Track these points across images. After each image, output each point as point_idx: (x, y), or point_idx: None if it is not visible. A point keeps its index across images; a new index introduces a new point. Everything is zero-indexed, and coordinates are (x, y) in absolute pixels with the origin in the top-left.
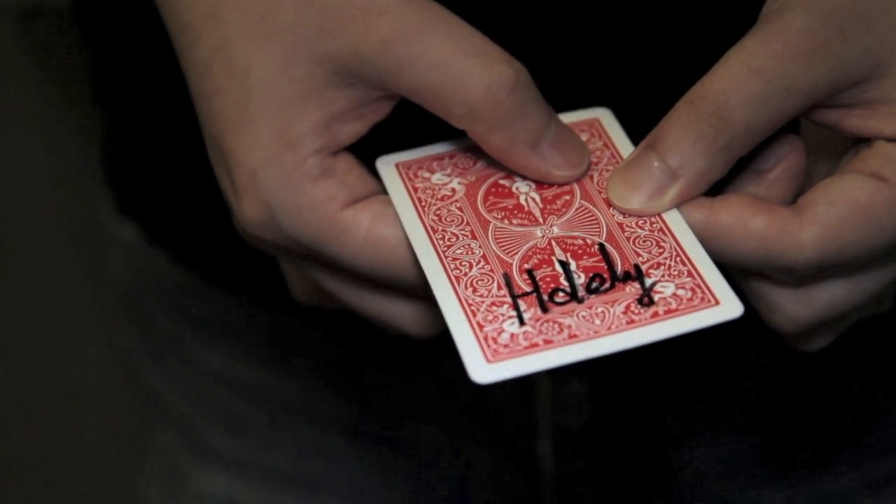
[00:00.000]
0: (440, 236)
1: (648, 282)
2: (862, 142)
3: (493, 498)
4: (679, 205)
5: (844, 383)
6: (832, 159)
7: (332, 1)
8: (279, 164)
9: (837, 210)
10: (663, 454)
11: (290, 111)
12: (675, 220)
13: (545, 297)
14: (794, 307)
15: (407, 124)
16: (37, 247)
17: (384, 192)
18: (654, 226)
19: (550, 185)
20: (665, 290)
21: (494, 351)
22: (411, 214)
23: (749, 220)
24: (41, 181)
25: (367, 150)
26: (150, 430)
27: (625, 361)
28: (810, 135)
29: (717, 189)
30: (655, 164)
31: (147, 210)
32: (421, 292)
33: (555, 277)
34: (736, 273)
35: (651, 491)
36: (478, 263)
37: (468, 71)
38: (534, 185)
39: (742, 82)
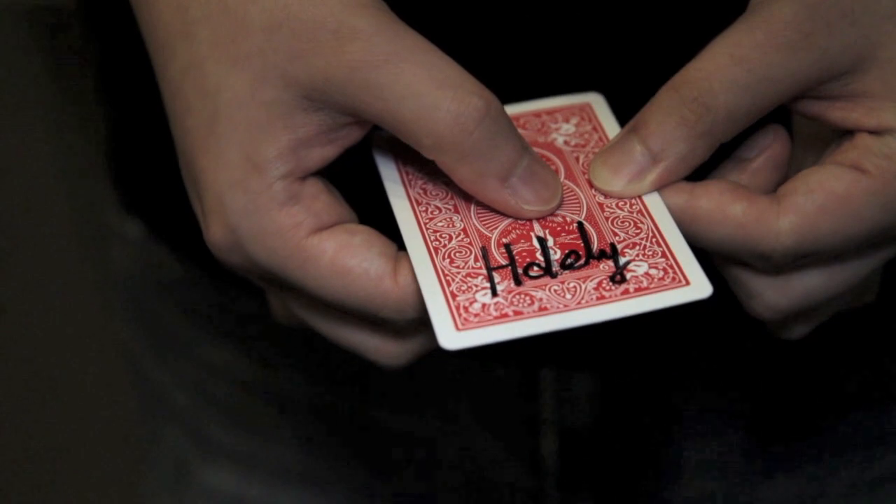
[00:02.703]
0: (423, 209)
1: (622, 260)
2: (845, 133)
3: (496, 494)
4: (659, 188)
5: (843, 378)
6: (822, 150)
7: (302, 25)
8: (245, 189)
9: (815, 199)
10: (668, 451)
11: (258, 135)
12: (654, 202)
13: (520, 271)
14: (772, 295)
15: None
16: (41, 243)
17: (352, 219)
18: (634, 207)
19: None
20: (638, 269)
21: (465, 319)
22: (398, 187)
23: (728, 206)
24: (46, 178)
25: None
26: (155, 426)
27: (630, 357)
28: (801, 125)
29: (699, 176)
30: (637, 147)
31: (152, 206)
32: (384, 324)
33: (531, 252)
34: (717, 260)
35: (655, 487)
36: (458, 236)
37: (437, 102)
38: None
39: (725, 70)
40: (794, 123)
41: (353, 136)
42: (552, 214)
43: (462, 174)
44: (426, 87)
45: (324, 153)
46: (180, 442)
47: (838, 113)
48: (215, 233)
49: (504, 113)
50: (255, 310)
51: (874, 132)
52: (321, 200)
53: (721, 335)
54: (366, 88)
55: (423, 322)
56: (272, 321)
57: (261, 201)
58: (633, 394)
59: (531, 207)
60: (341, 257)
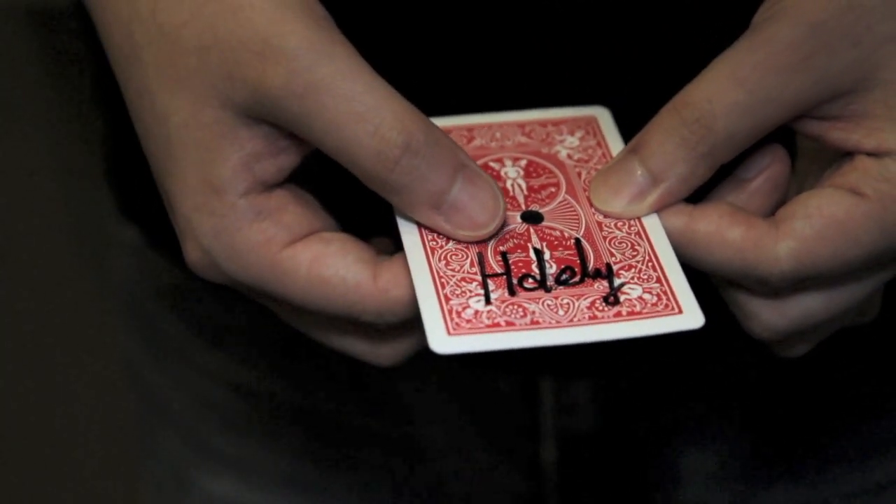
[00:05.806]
0: None
1: (617, 282)
2: (844, 155)
3: (496, 502)
4: (659, 210)
5: (842, 386)
6: (826, 167)
7: (229, 46)
8: (210, 211)
9: (813, 224)
10: (667, 459)
11: (209, 156)
12: (653, 225)
13: (514, 281)
14: (769, 316)
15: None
16: (39, 249)
17: (327, 226)
18: (632, 229)
19: (538, 174)
20: (632, 292)
21: (457, 324)
22: None
23: (726, 230)
24: (43, 183)
25: None
26: (152, 432)
27: (629, 365)
28: (804, 145)
29: (698, 195)
30: (638, 168)
31: (149, 212)
32: (369, 327)
33: (527, 263)
34: (714, 281)
35: (655, 495)
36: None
37: (357, 137)
38: (522, 172)
39: (726, 91)
40: (798, 139)
41: (304, 145)
42: (550, 228)
43: (394, 203)
44: (346, 122)
45: (278, 164)
46: (178, 449)
47: (838, 134)
48: (192, 255)
49: (432, 140)
50: (253, 316)
51: (873, 154)
52: (290, 212)
53: (719, 343)
54: (292, 115)
55: (410, 323)
56: (270, 328)
57: (227, 222)
58: (632, 402)
59: (465, 232)
60: (317, 268)
